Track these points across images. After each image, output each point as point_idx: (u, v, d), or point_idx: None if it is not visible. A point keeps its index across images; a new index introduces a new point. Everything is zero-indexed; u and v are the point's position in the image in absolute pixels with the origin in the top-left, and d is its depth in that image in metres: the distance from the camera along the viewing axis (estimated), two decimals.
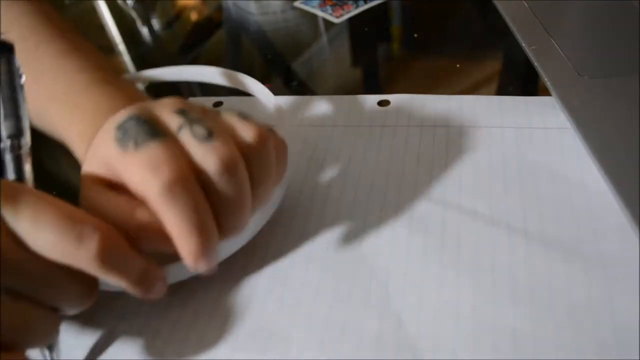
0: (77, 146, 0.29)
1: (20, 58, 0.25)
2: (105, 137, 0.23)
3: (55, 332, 0.23)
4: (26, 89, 0.26)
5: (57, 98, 0.30)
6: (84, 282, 0.22)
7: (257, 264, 0.29)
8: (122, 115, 0.23)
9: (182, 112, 0.22)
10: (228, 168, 0.22)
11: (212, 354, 0.25)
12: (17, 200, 0.20)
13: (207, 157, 0.22)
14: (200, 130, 0.22)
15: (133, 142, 0.22)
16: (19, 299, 0.21)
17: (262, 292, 0.27)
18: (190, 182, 0.21)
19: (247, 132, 0.23)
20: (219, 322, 0.26)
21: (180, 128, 0.22)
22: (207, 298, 0.27)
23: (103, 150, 0.23)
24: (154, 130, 0.22)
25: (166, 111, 0.23)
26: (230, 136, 0.23)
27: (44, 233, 0.20)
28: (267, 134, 0.24)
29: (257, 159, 0.23)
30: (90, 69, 0.31)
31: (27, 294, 0.21)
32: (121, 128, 0.22)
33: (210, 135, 0.22)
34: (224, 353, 0.25)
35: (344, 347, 0.24)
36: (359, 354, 0.24)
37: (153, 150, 0.21)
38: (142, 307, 0.27)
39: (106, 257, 0.21)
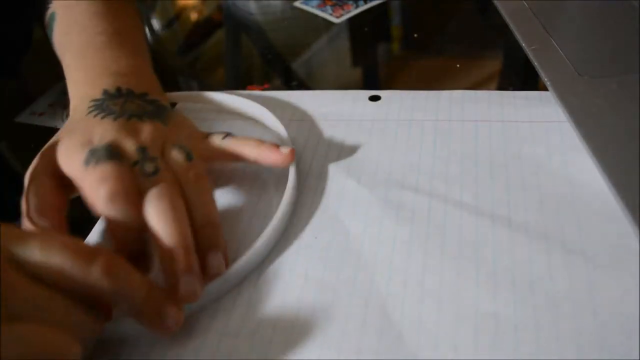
0: (71, 102, 0.34)
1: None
2: (76, 156, 0.28)
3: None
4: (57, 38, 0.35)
5: (74, 51, 0.36)
6: (93, 306, 0.24)
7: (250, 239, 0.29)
8: (98, 137, 0.29)
9: (142, 150, 0.29)
10: (160, 195, 0.27)
11: (201, 340, 0.25)
12: (24, 234, 0.23)
13: (147, 187, 0.27)
14: (149, 167, 0.28)
15: (95, 160, 0.27)
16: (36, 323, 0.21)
17: (251, 281, 0.28)
18: (131, 197, 0.26)
19: (187, 171, 0.29)
20: (210, 311, 0.27)
21: (135, 163, 0.28)
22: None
23: (71, 167, 0.29)
24: (116, 154, 0.28)
25: (130, 144, 0.29)
26: (170, 172, 0.28)
27: (55, 259, 0.22)
28: (202, 174, 0.30)
29: (192, 190, 0.29)
30: (112, 33, 0.36)
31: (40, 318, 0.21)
32: (91, 152, 0.28)
33: (156, 172, 0.28)
34: (212, 339, 0.25)
35: (329, 331, 0.25)
36: (344, 337, 0.24)
37: (107, 167, 0.27)
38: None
39: (115, 272, 0.23)
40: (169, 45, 0.56)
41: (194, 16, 0.60)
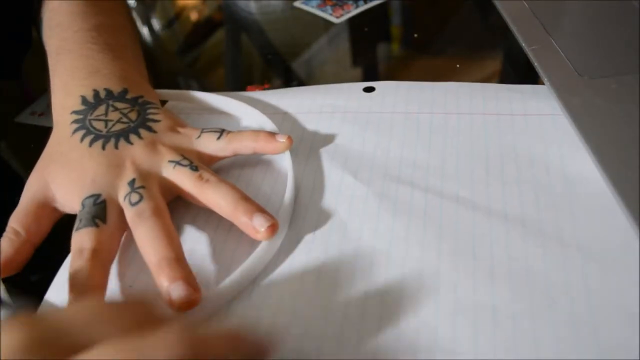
0: (53, 111, 0.34)
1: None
2: (74, 197, 0.30)
3: None
4: (45, 42, 0.36)
5: (53, 54, 0.37)
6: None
7: (245, 249, 0.29)
8: (90, 180, 0.30)
9: (131, 183, 0.30)
10: (140, 221, 0.28)
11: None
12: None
13: (132, 215, 0.29)
14: (134, 197, 0.29)
15: (78, 221, 0.28)
16: None
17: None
18: (102, 256, 0.27)
19: (198, 179, 0.30)
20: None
21: (125, 197, 0.29)
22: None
23: (68, 207, 0.31)
24: (99, 214, 0.28)
25: (121, 183, 0.30)
26: (154, 196, 0.29)
27: None
28: (212, 176, 0.30)
29: (212, 190, 0.30)
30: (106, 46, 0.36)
31: None
32: (83, 204, 0.29)
33: (139, 200, 0.29)
34: None
35: (328, 325, 0.25)
36: (343, 331, 0.25)
37: (82, 237, 0.28)
38: None
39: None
40: (169, 45, 0.56)
41: (194, 16, 0.60)
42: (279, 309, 0.26)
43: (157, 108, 0.34)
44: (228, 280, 0.27)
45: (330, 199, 0.31)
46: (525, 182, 0.30)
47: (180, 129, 0.33)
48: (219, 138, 0.32)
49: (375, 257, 0.27)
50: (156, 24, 0.59)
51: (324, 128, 0.36)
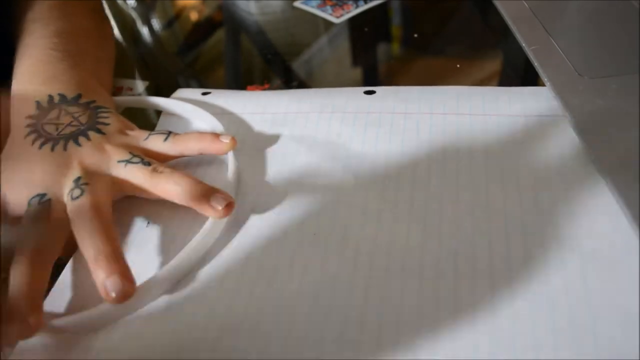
0: (11, 114, 0.35)
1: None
2: (21, 197, 0.30)
3: None
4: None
5: (17, 60, 0.38)
6: None
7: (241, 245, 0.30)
8: (39, 180, 0.30)
9: (76, 180, 0.30)
10: (77, 216, 0.29)
11: (201, 334, 0.26)
12: None
13: (71, 209, 0.29)
14: (76, 192, 0.30)
15: (22, 221, 0.29)
16: None
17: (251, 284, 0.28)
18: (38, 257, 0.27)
19: (152, 173, 0.32)
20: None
21: (68, 193, 0.30)
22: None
23: (16, 207, 0.31)
24: (43, 214, 0.29)
25: (67, 181, 0.31)
26: (94, 191, 0.30)
27: None
28: (164, 168, 0.32)
29: (165, 180, 0.31)
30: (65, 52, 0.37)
31: None
32: (29, 203, 0.30)
33: (80, 194, 0.30)
34: (212, 334, 0.25)
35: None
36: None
37: (26, 240, 0.28)
38: None
39: None
40: (169, 45, 0.56)
41: (194, 16, 0.60)
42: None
43: (109, 112, 0.35)
44: (164, 269, 0.28)
45: (330, 201, 0.31)
46: (524, 183, 0.30)
47: (130, 132, 0.34)
48: (165, 139, 0.34)
49: (375, 261, 0.27)
50: (156, 24, 0.59)
51: (324, 128, 0.36)
